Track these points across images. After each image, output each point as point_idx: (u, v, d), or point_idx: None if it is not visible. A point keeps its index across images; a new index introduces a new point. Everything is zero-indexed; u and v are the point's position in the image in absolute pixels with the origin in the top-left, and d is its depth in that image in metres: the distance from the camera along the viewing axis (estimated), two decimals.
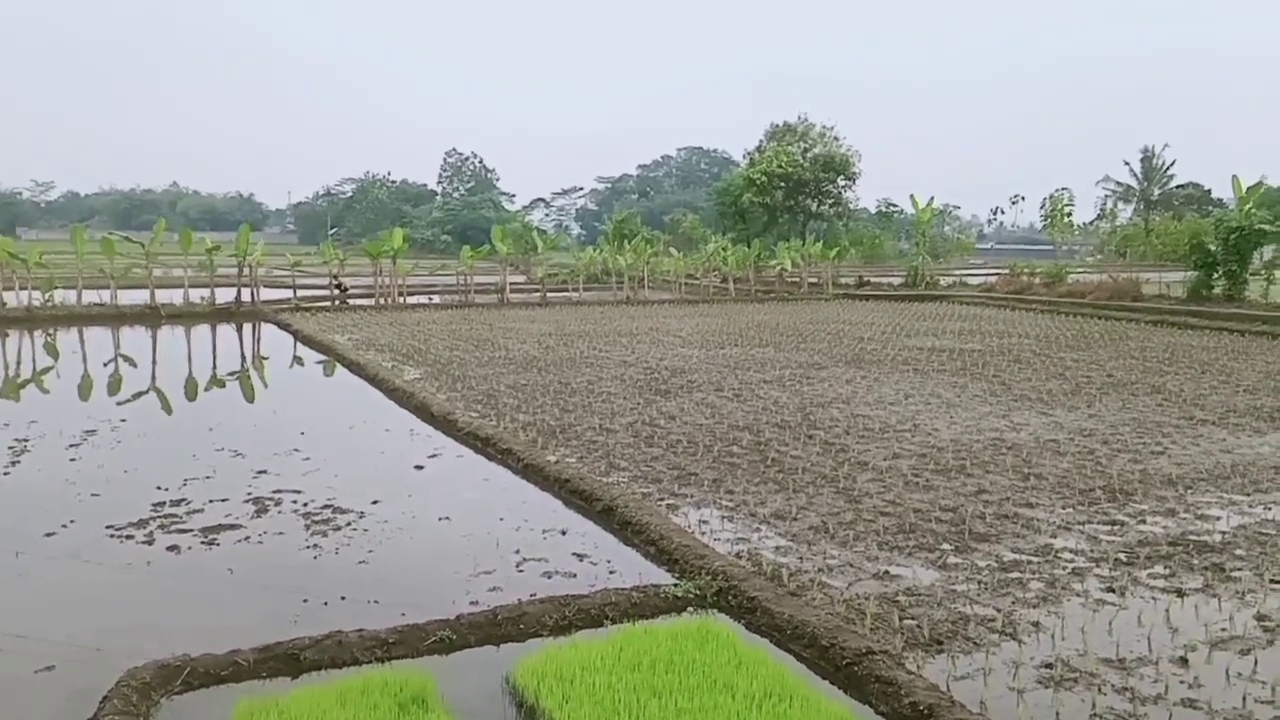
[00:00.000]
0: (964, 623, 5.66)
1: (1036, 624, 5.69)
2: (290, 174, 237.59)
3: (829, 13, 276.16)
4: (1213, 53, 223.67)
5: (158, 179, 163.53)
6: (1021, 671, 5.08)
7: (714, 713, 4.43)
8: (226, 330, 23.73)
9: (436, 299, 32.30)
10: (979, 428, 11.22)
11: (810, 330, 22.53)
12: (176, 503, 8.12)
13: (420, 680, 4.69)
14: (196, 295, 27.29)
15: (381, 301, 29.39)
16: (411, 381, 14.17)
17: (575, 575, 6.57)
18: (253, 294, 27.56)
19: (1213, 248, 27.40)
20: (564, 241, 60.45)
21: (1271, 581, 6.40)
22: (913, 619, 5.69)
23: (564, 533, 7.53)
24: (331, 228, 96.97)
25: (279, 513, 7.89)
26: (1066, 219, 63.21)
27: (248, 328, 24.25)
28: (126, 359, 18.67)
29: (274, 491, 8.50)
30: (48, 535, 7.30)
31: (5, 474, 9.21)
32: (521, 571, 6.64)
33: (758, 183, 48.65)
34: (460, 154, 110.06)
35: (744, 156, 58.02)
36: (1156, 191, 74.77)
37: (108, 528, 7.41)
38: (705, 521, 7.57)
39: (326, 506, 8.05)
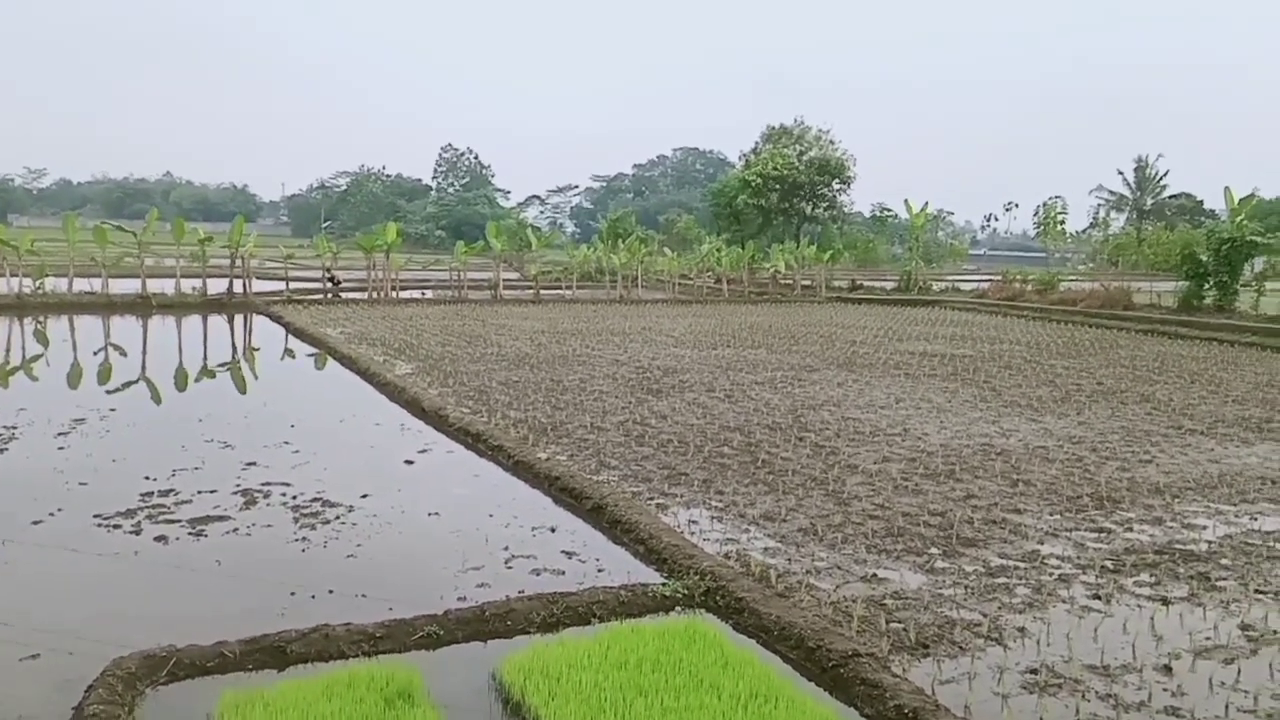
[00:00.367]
0: (950, 627, 5.68)
1: (1022, 629, 5.71)
2: (284, 166, 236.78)
3: (828, 16, 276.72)
4: (1213, 63, 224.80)
5: (151, 168, 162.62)
6: (1006, 676, 5.10)
7: (699, 712, 4.44)
8: (218, 321, 23.65)
9: (429, 294, 32.22)
10: (969, 433, 11.26)
11: (803, 333, 22.57)
12: (165, 493, 8.10)
13: (406, 675, 4.69)
14: (188, 285, 27.16)
15: (374, 296, 29.32)
16: (403, 376, 14.15)
17: (564, 573, 6.57)
18: (245, 285, 27.46)
19: (1204, 258, 27.55)
20: (558, 239, 60.31)
21: (1256, 591, 6.44)
22: (899, 622, 5.70)
23: (553, 530, 7.53)
24: (325, 221, 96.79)
25: (267, 505, 7.87)
26: (1059, 227, 63.52)
27: (239, 319, 24.17)
28: (117, 348, 18.59)
29: (263, 484, 8.47)
30: (35, 523, 7.27)
31: None
32: (510, 568, 6.64)
33: (753, 184, 48.69)
34: (456, 149, 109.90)
35: (740, 158, 58.06)
36: (1149, 201, 75.08)
37: (95, 517, 7.38)
38: (694, 521, 7.58)
39: (315, 500, 8.03)
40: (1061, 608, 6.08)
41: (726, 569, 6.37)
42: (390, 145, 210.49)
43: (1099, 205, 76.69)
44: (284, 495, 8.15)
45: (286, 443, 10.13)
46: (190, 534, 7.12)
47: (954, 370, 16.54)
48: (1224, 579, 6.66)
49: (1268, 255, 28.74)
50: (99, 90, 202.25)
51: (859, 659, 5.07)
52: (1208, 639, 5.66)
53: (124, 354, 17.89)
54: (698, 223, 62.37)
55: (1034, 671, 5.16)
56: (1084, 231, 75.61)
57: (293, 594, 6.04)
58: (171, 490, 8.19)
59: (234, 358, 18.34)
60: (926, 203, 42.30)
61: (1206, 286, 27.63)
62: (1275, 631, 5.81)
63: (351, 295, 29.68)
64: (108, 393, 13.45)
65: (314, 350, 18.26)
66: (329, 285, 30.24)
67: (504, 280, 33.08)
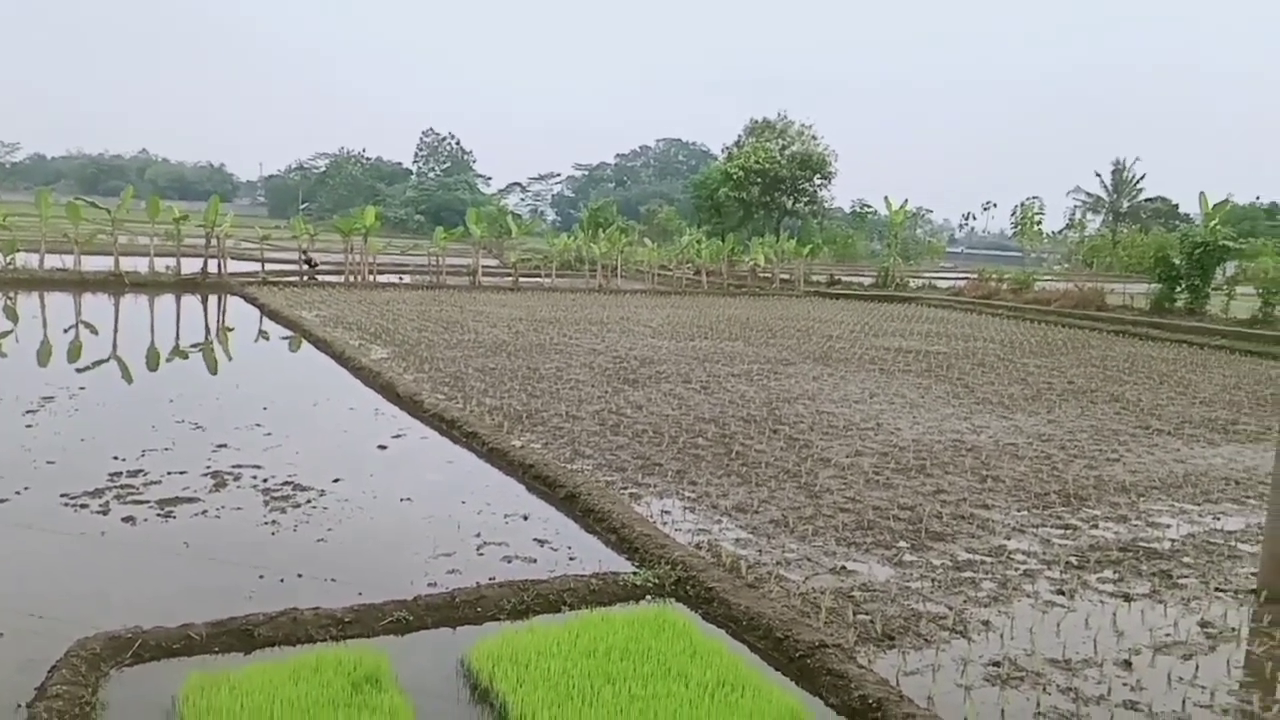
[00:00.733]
0: (916, 619, 5.75)
1: (987, 623, 5.79)
2: (263, 146, 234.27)
3: (814, 15, 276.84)
4: (1190, 67, 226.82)
5: (127, 145, 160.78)
6: (970, 669, 5.17)
7: (666, 700, 4.47)
8: (191, 301, 23.40)
9: (407, 279, 32.06)
10: (940, 429, 11.37)
11: (780, 326, 22.66)
12: (134, 473, 8.02)
13: (374, 660, 4.68)
14: (162, 264, 26.87)
15: (351, 279, 29.13)
16: (378, 361, 14.07)
17: (535, 560, 6.58)
18: (220, 266, 27.18)
19: (1177, 262, 27.89)
20: (539, 227, 60.20)
21: (1216, 589, 6.56)
22: (867, 614, 5.76)
23: (526, 518, 7.53)
24: (303, 202, 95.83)
25: (238, 487, 7.82)
26: (1036, 227, 64.04)
27: (213, 300, 23.93)
28: (88, 326, 18.36)
29: (234, 466, 8.41)
30: (0, 502, 7.18)
31: None
32: (481, 555, 6.64)
33: (735, 177, 48.80)
34: (437, 134, 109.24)
35: (722, 151, 58.12)
36: (1125, 204, 75.92)
37: (62, 496, 7.30)
38: (667, 512, 7.61)
39: (286, 483, 7.98)
40: (1026, 602, 6.16)
41: (697, 559, 6.40)
42: (371, 128, 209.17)
43: (1075, 207, 77.50)
44: (255, 478, 8.09)
45: (258, 425, 10.06)
46: (159, 515, 7.05)
47: (928, 366, 16.68)
48: (1185, 577, 6.78)
49: (1240, 260, 29.16)
50: (76, 65, 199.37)
51: (825, 649, 5.12)
52: (1168, 635, 5.76)
53: (95, 332, 17.67)
54: (679, 214, 62.40)
55: (997, 664, 5.23)
56: (1060, 232, 76.32)
57: (261, 577, 6.00)
58: (140, 471, 8.11)
59: (207, 338, 18.16)
60: (906, 200, 42.53)
61: (1178, 289, 27.98)
62: (1234, 629, 5.92)
63: (328, 278, 29.44)
64: (78, 371, 13.29)
65: (289, 333, 18.11)
66: (305, 268, 29.99)
67: (483, 267, 32.95)
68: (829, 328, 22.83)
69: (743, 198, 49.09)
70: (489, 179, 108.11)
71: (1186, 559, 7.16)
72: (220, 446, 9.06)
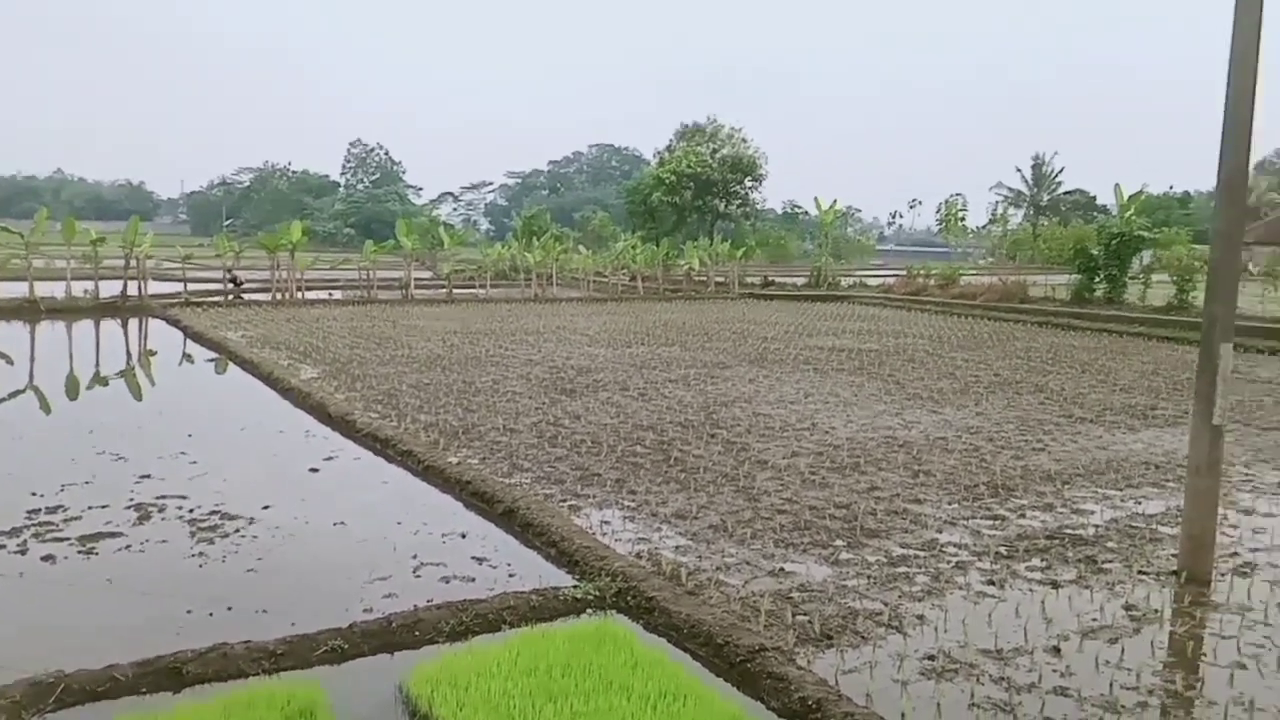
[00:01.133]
0: (853, 617, 5.84)
1: (921, 617, 5.91)
2: (184, 162, 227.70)
3: (741, 15, 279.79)
4: (1105, 64, 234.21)
5: (40, 164, 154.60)
6: (906, 663, 5.27)
7: (609, 714, 4.46)
8: (111, 326, 22.66)
9: (337, 295, 31.47)
10: (874, 426, 11.57)
11: (716, 329, 22.83)
12: (53, 509, 7.73)
13: (308, 692, 4.58)
14: (79, 289, 25.98)
15: (279, 297, 28.49)
16: (308, 381, 13.80)
17: (474, 579, 6.52)
18: (140, 288, 26.35)
19: (1095, 252, 28.84)
20: (472, 237, 59.55)
21: (1139, 572, 6.79)
22: (805, 615, 5.83)
23: (464, 536, 7.46)
24: (227, 219, 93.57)
25: (163, 519, 7.59)
26: (960, 223, 65.49)
27: (134, 323, 23.20)
28: (2, 356, 17.63)
29: (158, 497, 8.16)
30: None
31: None
32: (419, 577, 6.55)
33: (667, 182, 48.94)
34: (365, 145, 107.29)
35: (654, 155, 58.32)
36: (1045, 197, 78.14)
37: None
38: (607, 522, 7.60)
39: (214, 512, 7.77)
40: (958, 594, 6.30)
41: (638, 569, 6.41)
42: (296, 141, 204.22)
43: (998, 202, 79.46)
44: (180, 508, 7.87)
45: (183, 453, 9.78)
46: (80, 552, 6.81)
47: (860, 365, 16.96)
48: (1110, 561, 7.01)
49: (1155, 249, 30.28)
50: None
51: (765, 653, 5.17)
52: (1094, 620, 5.95)
53: (10, 362, 16.99)
54: (613, 220, 62.43)
55: (932, 658, 5.34)
56: (984, 227, 78.19)
57: (189, 612, 5.84)
58: (60, 506, 7.82)
59: (128, 364, 17.60)
60: (835, 200, 43.24)
61: (1097, 280, 28.92)
62: (1156, 610, 6.14)
63: (254, 297, 28.76)
64: None
65: (214, 355, 17.64)
66: (230, 286, 29.26)
67: (415, 280, 32.54)
68: (764, 329, 23.08)
69: (676, 202, 49.29)
70: (420, 189, 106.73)
71: (1110, 544, 7.40)
72: (144, 477, 8.79)
